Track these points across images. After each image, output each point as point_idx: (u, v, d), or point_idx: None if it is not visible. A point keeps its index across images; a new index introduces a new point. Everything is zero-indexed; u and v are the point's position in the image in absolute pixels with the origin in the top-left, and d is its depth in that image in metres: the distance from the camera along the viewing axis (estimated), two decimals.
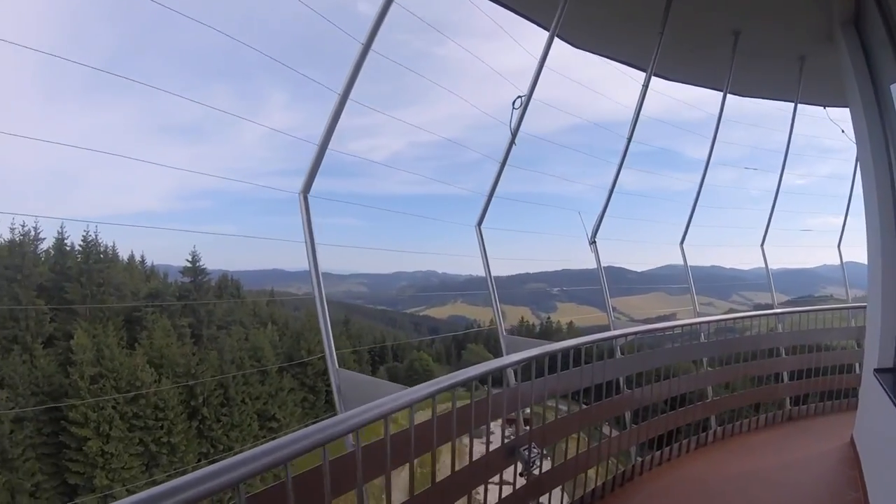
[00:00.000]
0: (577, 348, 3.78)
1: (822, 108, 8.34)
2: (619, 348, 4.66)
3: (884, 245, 4.07)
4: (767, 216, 8.13)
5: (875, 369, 4.00)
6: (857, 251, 9.30)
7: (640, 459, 4.78)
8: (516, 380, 3.33)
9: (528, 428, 3.39)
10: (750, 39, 6.13)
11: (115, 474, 28.96)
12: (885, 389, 3.55)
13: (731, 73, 6.56)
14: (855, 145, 7.77)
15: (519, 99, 4.83)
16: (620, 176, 6.21)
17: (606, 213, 6.15)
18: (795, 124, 7.96)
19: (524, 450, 3.31)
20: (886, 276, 4.05)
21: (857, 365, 6.87)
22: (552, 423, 3.65)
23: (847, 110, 8.08)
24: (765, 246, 8.16)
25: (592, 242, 6.08)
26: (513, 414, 3.30)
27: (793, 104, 7.82)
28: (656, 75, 6.47)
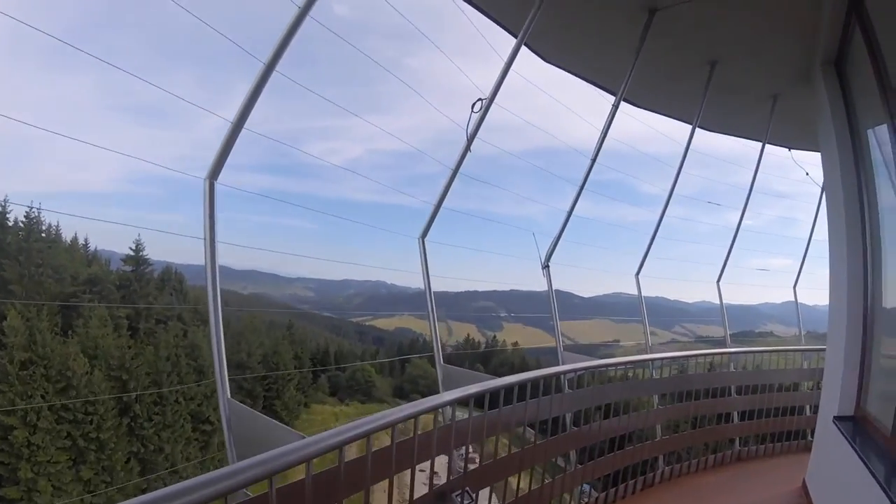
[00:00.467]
0: (521, 384, 3.41)
1: (787, 149, 8.36)
2: (566, 383, 4.33)
3: (850, 292, 3.89)
4: (726, 253, 8.06)
5: (835, 417, 3.83)
6: (804, 293, 9.41)
7: (585, 501, 4.49)
8: (451, 415, 2.93)
9: (462, 470, 3.00)
10: (726, 71, 5.99)
11: (41, 467, 27.40)
12: (845, 437, 3.43)
13: (703, 105, 6.40)
14: (819, 188, 7.87)
15: (479, 102, 4.45)
16: (577, 202, 5.98)
17: (561, 238, 5.90)
18: (749, 164, 7.99)
19: (457, 495, 2.92)
20: (851, 323, 3.86)
21: (807, 407, 6.80)
22: (490, 465, 3.27)
23: (808, 153, 8.28)
24: (720, 283, 8.07)
25: (545, 266, 5.80)
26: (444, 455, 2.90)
27: (759, 143, 7.80)
28: (626, 100, 6.27)
